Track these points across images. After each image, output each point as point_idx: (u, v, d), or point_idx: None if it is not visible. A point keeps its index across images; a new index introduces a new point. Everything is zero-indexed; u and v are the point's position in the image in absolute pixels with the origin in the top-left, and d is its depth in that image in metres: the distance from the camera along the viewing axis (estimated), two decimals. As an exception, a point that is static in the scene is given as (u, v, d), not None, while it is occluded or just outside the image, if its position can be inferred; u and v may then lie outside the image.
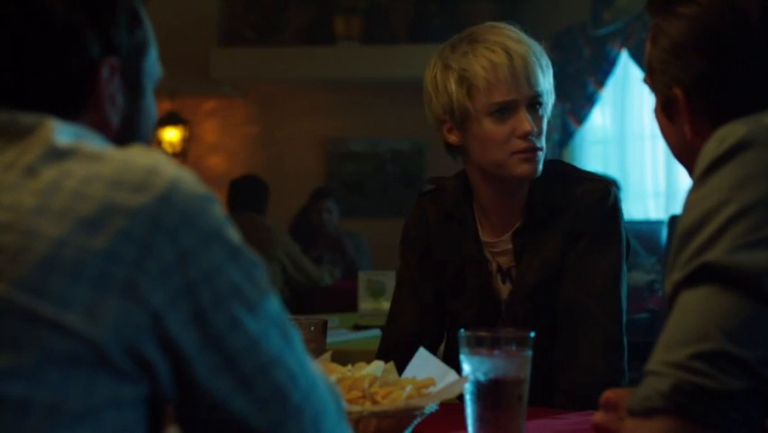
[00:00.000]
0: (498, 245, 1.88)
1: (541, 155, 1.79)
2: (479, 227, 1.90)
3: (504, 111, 1.77)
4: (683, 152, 1.21)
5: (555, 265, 1.81)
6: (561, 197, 1.83)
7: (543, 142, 1.80)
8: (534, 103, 1.78)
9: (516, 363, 1.33)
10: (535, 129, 1.77)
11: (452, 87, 1.79)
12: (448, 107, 1.80)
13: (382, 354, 1.85)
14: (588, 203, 1.80)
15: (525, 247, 1.84)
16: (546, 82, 1.80)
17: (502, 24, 1.83)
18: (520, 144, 1.77)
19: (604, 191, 1.81)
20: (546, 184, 1.84)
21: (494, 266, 1.89)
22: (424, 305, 1.94)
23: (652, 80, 1.22)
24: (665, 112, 1.21)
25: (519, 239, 1.84)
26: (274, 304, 0.93)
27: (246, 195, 5.48)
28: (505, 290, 1.88)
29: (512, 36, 1.79)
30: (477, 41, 1.79)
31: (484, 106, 1.77)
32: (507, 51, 1.76)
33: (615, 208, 1.81)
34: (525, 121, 1.76)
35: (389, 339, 1.96)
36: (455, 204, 1.91)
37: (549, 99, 1.82)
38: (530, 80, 1.77)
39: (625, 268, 1.82)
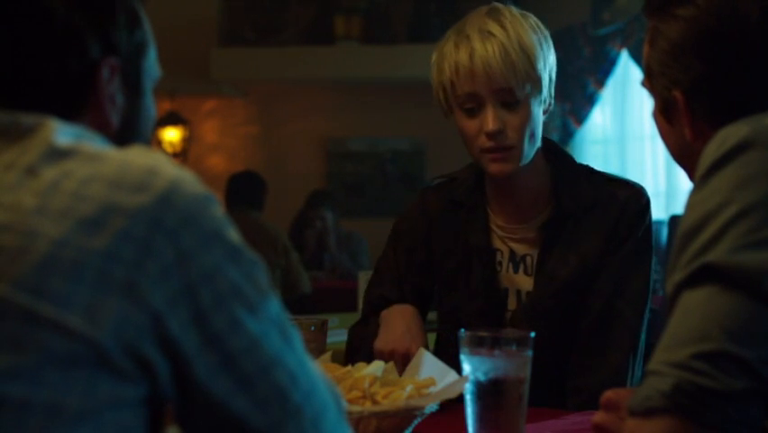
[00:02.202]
0: (516, 231, 1.85)
1: (516, 153, 1.75)
2: (490, 214, 1.88)
3: (471, 104, 1.75)
4: (683, 154, 1.21)
5: (593, 264, 1.79)
6: (595, 194, 1.81)
7: (523, 139, 1.75)
8: (508, 99, 1.74)
9: (516, 363, 1.33)
10: (498, 128, 1.73)
11: (434, 75, 1.81)
12: (436, 92, 1.82)
13: (362, 320, 1.92)
14: (634, 209, 1.80)
15: (556, 240, 1.81)
16: (527, 74, 1.73)
17: (497, 9, 1.78)
18: (485, 142, 1.75)
19: (646, 198, 1.81)
20: (574, 179, 1.83)
21: (505, 254, 1.86)
22: (403, 290, 1.92)
23: (650, 83, 1.21)
24: (664, 114, 1.20)
25: (549, 230, 1.82)
26: (274, 304, 0.93)
27: (244, 191, 5.49)
28: (519, 280, 1.85)
29: (486, 29, 1.74)
30: (458, 32, 1.77)
31: (453, 99, 1.78)
32: (471, 51, 1.73)
33: (651, 217, 1.82)
34: (488, 119, 1.73)
35: (369, 305, 1.93)
36: (466, 191, 1.90)
37: (537, 90, 1.75)
38: (492, 80, 1.72)
39: (653, 273, 1.83)
